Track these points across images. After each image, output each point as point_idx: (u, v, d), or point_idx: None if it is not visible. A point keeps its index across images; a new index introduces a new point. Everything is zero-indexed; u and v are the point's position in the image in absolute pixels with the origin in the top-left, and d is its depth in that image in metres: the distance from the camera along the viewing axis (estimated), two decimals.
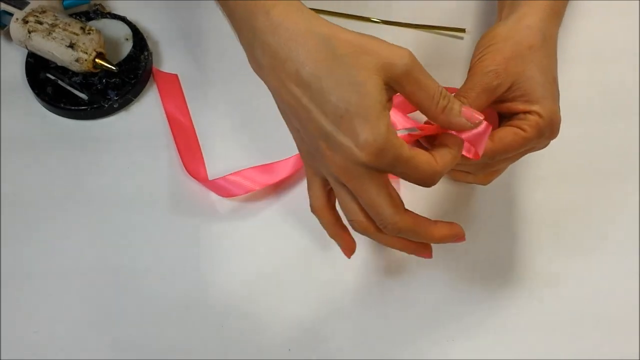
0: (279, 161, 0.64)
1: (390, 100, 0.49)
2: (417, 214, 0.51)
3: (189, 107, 0.67)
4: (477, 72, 0.56)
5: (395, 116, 0.52)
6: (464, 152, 0.52)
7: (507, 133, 0.55)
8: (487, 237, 0.63)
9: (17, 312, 0.59)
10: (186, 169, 0.64)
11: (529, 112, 0.55)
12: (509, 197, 0.64)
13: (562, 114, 0.59)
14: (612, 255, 0.62)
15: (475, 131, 0.51)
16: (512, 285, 0.61)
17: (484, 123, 0.51)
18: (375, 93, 0.47)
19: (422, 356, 0.59)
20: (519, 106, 0.55)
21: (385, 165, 0.48)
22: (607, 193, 0.65)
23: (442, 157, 0.50)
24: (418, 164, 0.48)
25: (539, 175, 0.65)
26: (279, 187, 0.64)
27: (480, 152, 0.52)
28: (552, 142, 0.65)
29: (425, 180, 0.50)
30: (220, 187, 0.63)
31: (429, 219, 0.52)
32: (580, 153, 0.66)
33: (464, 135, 0.51)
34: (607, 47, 0.71)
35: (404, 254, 0.61)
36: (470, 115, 0.50)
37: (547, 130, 0.55)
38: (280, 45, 0.49)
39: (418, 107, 0.50)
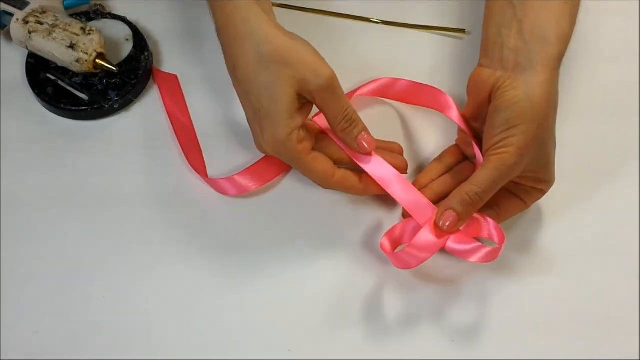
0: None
1: (304, 107, 0.58)
2: (347, 175, 0.59)
3: (189, 106, 0.67)
4: (495, 162, 0.56)
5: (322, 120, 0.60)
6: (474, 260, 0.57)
7: (514, 206, 0.60)
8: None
9: (17, 312, 0.59)
10: (189, 164, 0.64)
11: (535, 189, 0.59)
12: None
13: (561, 113, 0.60)
14: (612, 255, 0.62)
15: (486, 252, 0.57)
16: (512, 286, 0.61)
17: (497, 249, 0.57)
18: (284, 101, 0.56)
19: (422, 356, 0.58)
20: (528, 183, 0.59)
21: (285, 160, 0.59)
22: (607, 193, 0.65)
23: (350, 180, 0.60)
24: (312, 169, 0.58)
25: None
26: (279, 185, 0.64)
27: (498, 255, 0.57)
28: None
29: (316, 183, 0.59)
30: (221, 186, 0.63)
31: (359, 174, 0.60)
32: (579, 153, 0.66)
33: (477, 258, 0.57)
34: (607, 47, 0.71)
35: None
36: (368, 142, 0.59)
37: (540, 198, 0.60)
38: (227, 42, 0.58)
39: (327, 122, 0.59)
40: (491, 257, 0.57)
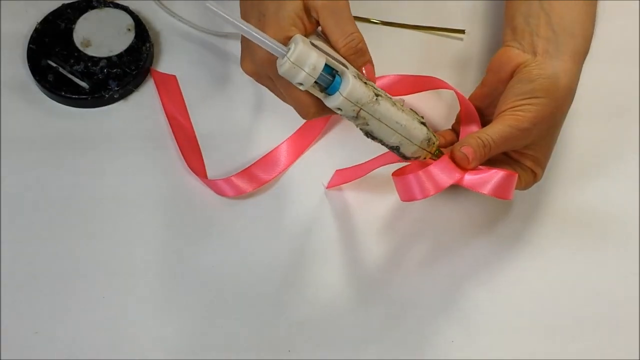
0: (272, 150, 0.65)
1: (309, 24, 0.54)
2: (322, 109, 0.54)
3: (188, 106, 0.67)
4: (510, 120, 0.56)
5: None
6: (488, 191, 0.55)
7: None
8: (487, 237, 0.63)
9: (17, 312, 0.59)
10: (188, 166, 0.64)
11: (531, 170, 0.59)
12: (508, 201, 0.64)
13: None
14: (612, 255, 0.62)
15: (503, 177, 0.55)
16: (512, 286, 0.61)
17: (513, 174, 0.55)
18: (291, 8, 0.52)
19: (422, 356, 0.58)
20: (526, 162, 0.59)
21: (273, 75, 0.53)
22: (607, 193, 0.65)
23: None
24: (302, 102, 0.53)
25: None
26: (278, 184, 0.64)
27: (510, 197, 0.56)
28: None
29: (297, 111, 0.55)
30: (220, 187, 0.63)
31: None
32: (579, 153, 0.66)
33: (492, 186, 0.55)
34: (607, 47, 0.71)
35: (404, 255, 0.62)
36: (369, 76, 0.55)
37: (529, 186, 0.60)
38: None
39: (331, 42, 0.54)
40: (508, 184, 0.55)
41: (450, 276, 0.61)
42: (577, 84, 0.59)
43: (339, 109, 0.52)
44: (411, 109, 0.55)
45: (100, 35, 0.68)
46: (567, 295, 0.61)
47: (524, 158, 0.59)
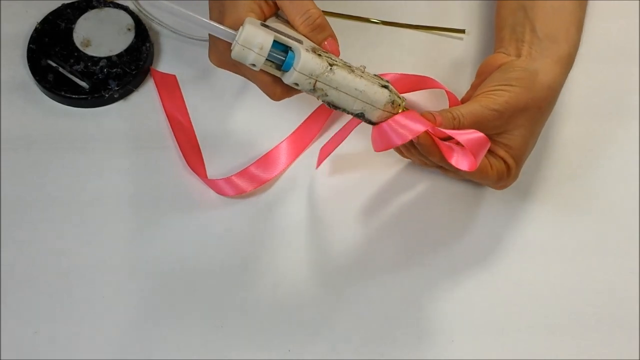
0: (272, 150, 0.65)
1: (268, 10, 0.54)
2: (287, 89, 0.54)
3: (188, 106, 0.67)
4: (483, 101, 0.58)
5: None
6: (453, 161, 0.55)
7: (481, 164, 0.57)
8: (487, 238, 0.63)
9: (17, 312, 0.59)
10: (188, 166, 0.64)
11: (502, 159, 0.59)
12: (508, 197, 0.64)
13: (561, 113, 0.60)
14: (612, 255, 0.62)
15: (475, 140, 0.54)
16: (512, 286, 0.61)
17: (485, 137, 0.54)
18: None
19: (422, 356, 0.58)
20: (499, 151, 0.59)
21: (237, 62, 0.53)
22: (607, 193, 0.65)
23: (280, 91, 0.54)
24: (267, 84, 0.54)
25: (539, 175, 0.65)
26: (278, 184, 0.65)
27: (478, 164, 0.54)
28: (552, 142, 0.65)
29: (265, 93, 0.55)
30: (220, 187, 0.63)
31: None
32: (579, 153, 0.66)
33: (465, 139, 0.54)
34: (607, 47, 0.71)
35: (403, 255, 0.62)
36: (332, 49, 0.54)
37: (503, 183, 0.60)
38: None
39: (290, 22, 0.54)
40: (479, 146, 0.54)
41: (450, 276, 0.61)
42: (559, 86, 0.60)
43: (295, 84, 0.52)
44: (375, 75, 0.55)
45: (100, 35, 0.68)
46: (566, 295, 0.61)
47: (497, 146, 0.59)
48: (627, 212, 0.64)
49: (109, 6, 0.69)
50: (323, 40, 0.55)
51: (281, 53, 0.52)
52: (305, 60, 0.51)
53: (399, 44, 0.71)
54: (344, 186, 0.64)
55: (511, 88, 0.58)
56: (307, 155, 0.66)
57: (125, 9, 0.69)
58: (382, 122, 0.55)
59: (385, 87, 0.54)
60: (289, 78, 0.52)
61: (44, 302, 0.59)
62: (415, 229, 0.63)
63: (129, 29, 0.69)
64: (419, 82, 0.65)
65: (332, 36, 0.55)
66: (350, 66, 0.54)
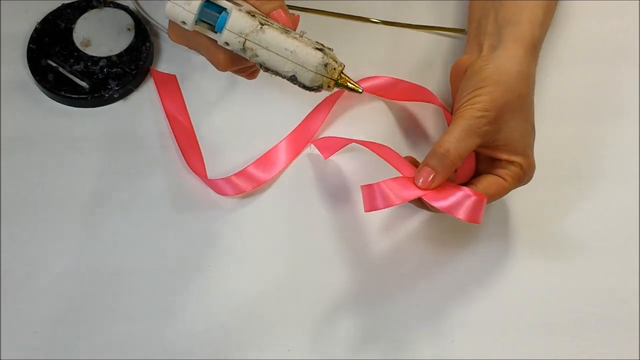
0: (271, 149, 0.65)
1: None
2: (231, 58, 0.53)
3: (188, 106, 0.67)
4: (465, 115, 0.57)
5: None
6: (461, 215, 0.55)
7: (491, 184, 0.58)
8: (487, 238, 0.63)
9: (17, 312, 0.59)
10: (188, 166, 0.64)
11: (511, 163, 0.58)
12: (508, 200, 0.64)
13: (560, 114, 0.60)
14: (612, 256, 0.62)
15: (472, 201, 0.55)
16: (512, 286, 0.61)
17: (483, 198, 0.55)
18: None
19: (422, 356, 0.59)
20: (502, 155, 0.58)
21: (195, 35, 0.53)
22: (606, 194, 0.65)
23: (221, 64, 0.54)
24: (211, 50, 0.53)
25: (537, 176, 0.65)
26: (278, 183, 0.65)
27: (479, 221, 0.55)
28: (550, 143, 0.65)
29: (211, 63, 0.54)
30: (220, 187, 0.63)
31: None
32: (578, 153, 0.66)
33: (460, 212, 0.54)
34: (607, 47, 0.71)
35: (404, 255, 0.62)
36: (281, 19, 0.53)
37: (525, 180, 0.59)
38: None
39: None
40: (476, 208, 0.55)
41: (450, 275, 0.61)
42: (528, 67, 0.59)
43: (226, 43, 0.52)
44: (315, 41, 0.54)
45: (100, 35, 0.68)
46: (566, 295, 0.61)
47: (499, 152, 0.58)
48: (626, 212, 0.64)
49: (109, 6, 0.69)
50: (271, 10, 0.53)
51: (215, 14, 0.52)
52: (235, 18, 0.51)
53: (399, 44, 0.71)
54: (344, 186, 0.64)
55: (483, 90, 0.57)
56: (307, 154, 0.66)
57: (125, 9, 0.69)
58: (317, 87, 0.53)
59: (321, 49, 0.53)
60: (220, 38, 0.52)
61: (44, 302, 0.59)
62: (414, 232, 0.63)
63: (129, 29, 0.69)
64: (416, 92, 0.65)
65: (282, 7, 0.54)
66: (286, 30, 0.53)
